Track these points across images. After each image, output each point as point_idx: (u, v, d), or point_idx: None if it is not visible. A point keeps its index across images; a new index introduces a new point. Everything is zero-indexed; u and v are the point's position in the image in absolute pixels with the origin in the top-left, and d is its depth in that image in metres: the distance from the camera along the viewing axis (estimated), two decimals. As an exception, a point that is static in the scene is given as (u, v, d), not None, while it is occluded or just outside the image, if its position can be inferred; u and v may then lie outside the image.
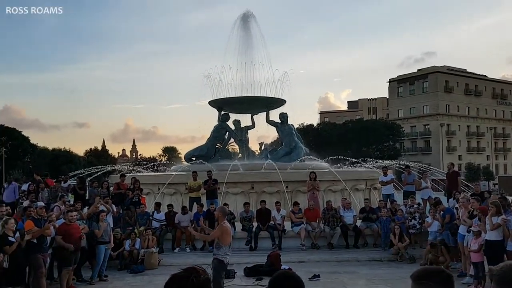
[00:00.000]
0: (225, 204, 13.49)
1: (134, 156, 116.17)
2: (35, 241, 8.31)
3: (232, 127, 21.86)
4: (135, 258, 11.50)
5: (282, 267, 10.02)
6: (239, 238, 12.88)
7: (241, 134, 21.87)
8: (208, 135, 21.82)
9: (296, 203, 13.64)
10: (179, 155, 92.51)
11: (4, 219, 8.13)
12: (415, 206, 13.02)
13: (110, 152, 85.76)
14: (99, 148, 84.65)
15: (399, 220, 12.56)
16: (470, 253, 8.30)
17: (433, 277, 1.88)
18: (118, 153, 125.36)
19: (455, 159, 73.09)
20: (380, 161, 22.49)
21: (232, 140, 22.77)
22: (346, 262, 11.45)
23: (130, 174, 18.18)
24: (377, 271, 10.53)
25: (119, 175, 15.68)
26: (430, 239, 10.85)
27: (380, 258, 11.78)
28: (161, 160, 70.05)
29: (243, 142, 22.05)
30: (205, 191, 14.07)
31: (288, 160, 19.13)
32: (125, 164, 29.45)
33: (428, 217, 11.66)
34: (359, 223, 13.36)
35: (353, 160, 22.90)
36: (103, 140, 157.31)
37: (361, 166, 21.84)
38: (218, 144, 22.17)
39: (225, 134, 21.87)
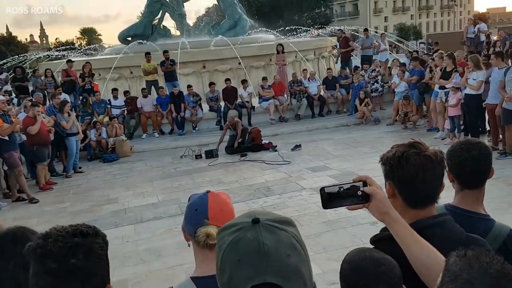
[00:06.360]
0: (189, 86, 12.84)
1: (44, 42, 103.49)
2: (7, 138, 7.49)
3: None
4: (103, 147, 11.06)
5: (263, 141, 10.15)
6: (208, 119, 12.71)
7: (178, 7, 19.96)
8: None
9: (264, 78, 13.33)
10: (99, 37, 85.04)
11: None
12: (377, 70, 13.34)
13: (19, 38, 76.19)
14: (5, 34, 74.88)
15: (362, 86, 12.92)
16: (447, 108, 8.84)
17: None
18: (26, 39, 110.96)
19: (381, 21, 74.93)
20: (313, 29, 22.26)
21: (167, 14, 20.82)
22: (316, 130, 11.87)
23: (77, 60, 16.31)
24: (349, 135, 11.05)
25: (66, 61, 13.93)
26: (397, 100, 11.36)
27: (346, 123, 12.29)
28: (81, 44, 63.63)
29: (182, 16, 20.32)
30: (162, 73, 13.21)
31: (234, 35, 18.11)
32: (35, 50, 25.93)
33: (394, 77, 12.07)
34: (322, 93, 13.55)
35: (303, 28, 22.43)
36: (6, 25, 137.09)
37: (308, 35, 21.54)
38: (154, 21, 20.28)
39: (160, 8, 19.85)
